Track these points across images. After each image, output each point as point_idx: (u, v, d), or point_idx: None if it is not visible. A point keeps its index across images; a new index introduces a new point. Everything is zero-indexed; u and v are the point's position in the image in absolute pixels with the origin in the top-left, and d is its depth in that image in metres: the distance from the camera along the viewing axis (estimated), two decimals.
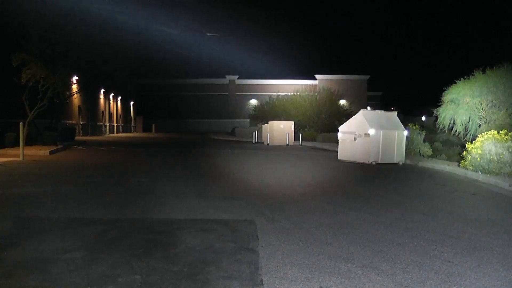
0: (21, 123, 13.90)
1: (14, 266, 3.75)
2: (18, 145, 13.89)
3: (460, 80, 16.01)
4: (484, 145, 11.14)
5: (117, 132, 43.47)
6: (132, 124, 52.58)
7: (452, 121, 16.06)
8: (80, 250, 4.20)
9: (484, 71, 15.43)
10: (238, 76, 57.15)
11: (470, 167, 11.45)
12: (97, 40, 20.32)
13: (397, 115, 15.14)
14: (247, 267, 3.83)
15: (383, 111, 16.01)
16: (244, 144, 24.92)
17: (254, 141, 26.34)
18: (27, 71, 18.10)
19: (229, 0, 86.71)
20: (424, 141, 16.11)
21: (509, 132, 11.42)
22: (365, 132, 13.93)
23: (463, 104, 15.44)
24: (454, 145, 17.08)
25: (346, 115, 28.77)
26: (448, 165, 12.97)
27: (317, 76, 54.20)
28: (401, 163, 14.08)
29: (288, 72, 59.39)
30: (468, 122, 15.42)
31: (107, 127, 39.44)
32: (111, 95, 40.26)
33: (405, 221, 5.84)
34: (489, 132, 11.54)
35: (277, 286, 3.46)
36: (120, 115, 45.77)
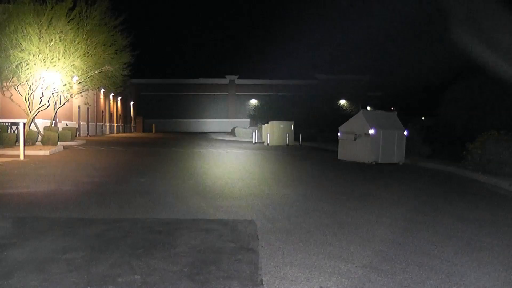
0: (21, 122, 13.90)
1: (14, 266, 3.75)
2: (18, 145, 13.89)
3: (460, 80, 16.04)
4: (484, 145, 11.14)
5: (117, 132, 43.46)
6: (132, 124, 52.57)
7: (452, 121, 16.09)
8: (80, 250, 4.20)
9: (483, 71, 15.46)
10: (238, 76, 57.12)
11: (470, 167, 11.46)
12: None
13: (397, 115, 15.15)
14: (247, 267, 3.83)
15: (383, 111, 16.03)
16: (244, 144, 24.91)
17: (254, 141, 26.32)
18: (26, 70, 18.10)
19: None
20: (424, 141, 16.12)
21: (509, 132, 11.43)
22: (365, 132, 13.93)
23: (463, 103, 15.47)
24: (454, 145, 17.09)
25: (346, 115, 28.79)
26: (448, 165, 12.98)
27: (317, 76, 54.18)
28: (401, 163, 14.09)
29: (288, 72, 59.32)
30: (468, 121, 15.45)
31: (107, 127, 39.42)
32: (111, 95, 40.23)
33: (405, 221, 5.84)
34: (489, 132, 11.55)
35: (277, 286, 3.46)
36: (120, 115, 45.75)
